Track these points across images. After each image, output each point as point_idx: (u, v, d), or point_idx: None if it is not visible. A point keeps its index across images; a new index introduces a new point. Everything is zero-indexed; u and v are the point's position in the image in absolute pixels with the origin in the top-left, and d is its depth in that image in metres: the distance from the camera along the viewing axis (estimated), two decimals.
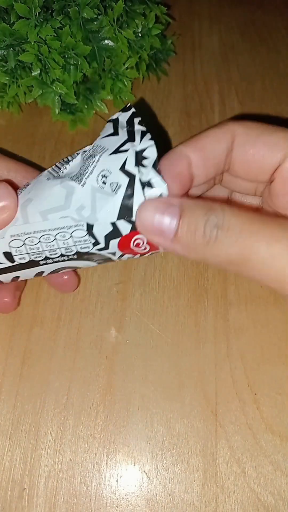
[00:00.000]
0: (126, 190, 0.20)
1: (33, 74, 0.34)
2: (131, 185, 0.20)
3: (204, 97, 0.41)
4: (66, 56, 0.34)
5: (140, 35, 0.38)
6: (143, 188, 0.20)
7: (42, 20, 0.32)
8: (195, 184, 0.22)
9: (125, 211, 0.20)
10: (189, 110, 0.40)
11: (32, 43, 0.32)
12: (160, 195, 0.20)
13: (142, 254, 0.22)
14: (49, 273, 0.25)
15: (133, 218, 0.20)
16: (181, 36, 0.47)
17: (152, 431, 0.26)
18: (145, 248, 0.22)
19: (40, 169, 0.27)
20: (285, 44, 0.47)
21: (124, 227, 0.21)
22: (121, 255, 0.22)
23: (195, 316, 0.29)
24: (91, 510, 0.24)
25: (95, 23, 0.34)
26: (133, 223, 0.20)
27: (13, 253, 0.23)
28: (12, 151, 0.37)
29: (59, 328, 0.29)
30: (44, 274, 0.24)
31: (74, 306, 0.30)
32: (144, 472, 0.25)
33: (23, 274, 0.24)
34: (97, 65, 0.36)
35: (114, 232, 0.21)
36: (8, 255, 0.23)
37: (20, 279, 0.25)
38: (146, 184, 0.20)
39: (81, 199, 0.21)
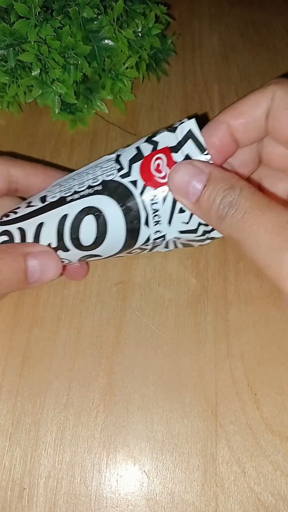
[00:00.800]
0: (162, 130, 0.23)
1: (33, 74, 0.34)
2: (170, 130, 0.23)
3: (204, 97, 0.41)
4: (66, 56, 0.34)
5: (140, 34, 0.38)
6: (181, 142, 0.23)
7: (42, 19, 0.32)
8: (241, 145, 0.24)
9: (150, 136, 0.23)
10: (189, 110, 0.40)
11: (32, 43, 0.32)
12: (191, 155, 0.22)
13: (161, 185, 0.23)
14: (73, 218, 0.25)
15: (156, 139, 0.23)
16: (181, 36, 0.47)
17: (152, 431, 0.26)
18: (164, 175, 0.23)
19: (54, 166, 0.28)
20: (285, 44, 0.47)
21: (146, 148, 0.23)
22: (143, 189, 0.23)
23: (195, 316, 0.29)
24: (91, 510, 0.24)
25: (95, 22, 0.34)
26: (155, 143, 0.23)
27: (47, 195, 0.25)
28: (12, 151, 0.37)
29: (59, 328, 0.29)
30: (67, 220, 0.24)
31: (74, 306, 0.30)
32: (144, 472, 0.25)
33: (48, 218, 0.25)
34: (97, 65, 0.36)
35: (137, 155, 0.23)
36: (43, 198, 0.25)
37: (44, 227, 0.25)
38: (185, 138, 0.23)
39: None
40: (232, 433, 0.25)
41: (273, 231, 0.18)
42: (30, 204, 0.26)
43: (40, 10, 0.32)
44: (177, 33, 0.47)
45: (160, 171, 0.23)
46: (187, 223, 0.24)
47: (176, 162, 0.22)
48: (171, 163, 0.22)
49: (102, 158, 0.26)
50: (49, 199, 0.25)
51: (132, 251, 0.26)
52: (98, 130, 0.39)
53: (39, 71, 0.34)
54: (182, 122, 0.23)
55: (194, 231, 0.24)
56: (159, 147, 0.23)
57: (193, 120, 0.23)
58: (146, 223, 0.24)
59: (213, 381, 0.27)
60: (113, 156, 0.25)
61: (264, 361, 0.27)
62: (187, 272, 0.31)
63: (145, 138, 0.24)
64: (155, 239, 0.25)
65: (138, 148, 0.24)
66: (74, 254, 0.25)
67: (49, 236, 0.25)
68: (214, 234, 0.24)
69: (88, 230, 0.24)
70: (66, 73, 0.35)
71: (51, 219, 0.25)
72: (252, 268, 0.31)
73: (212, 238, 0.25)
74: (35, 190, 0.28)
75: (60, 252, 0.25)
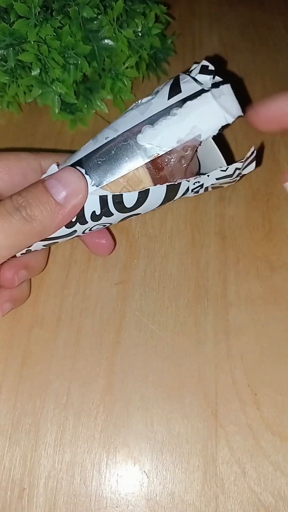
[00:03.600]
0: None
1: (33, 73, 0.34)
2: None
3: None
4: (66, 55, 0.34)
5: (140, 34, 0.38)
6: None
7: (41, 19, 0.32)
8: None
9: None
10: None
11: (32, 43, 0.32)
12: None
13: None
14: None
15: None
16: (181, 36, 0.47)
17: (152, 431, 0.26)
18: None
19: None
20: (285, 44, 0.46)
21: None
22: None
23: (195, 316, 0.29)
24: (91, 510, 0.24)
25: (95, 22, 0.34)
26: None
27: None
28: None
29: (59, 328, 0.29)
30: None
31: (74, 306, 0.30)
32: (144, 472, 0.25)
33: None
34: (97, 65, 0.36)
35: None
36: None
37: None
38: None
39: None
40: (232, 434, 0.25)
41: None
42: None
43: (40, 10, 0.32)
44: (177, 32, 0.46)
45: None
46: (225, 170, 0.25)
47: None
48: None
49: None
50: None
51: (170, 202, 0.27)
52: (98, 130, 0.39)
53: (39, 71, 0.34)
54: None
55: (230, 176, 0.26)
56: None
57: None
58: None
59: (213, 381, 0.27)
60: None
61: (264, 361, 0.27)
62: (187, 272, 0.31)
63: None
64: (193, 189, 0.26)
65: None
66: (116, 218, 0.25)
67: (92, 205, 0.24)
68: (247, 170, 0.26)
69: (131, 193, 0.24)
70: (66, 73, 0.34)
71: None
72: (252, 268, 0.31)
73: (243, 175, 0.27)
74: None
75: (103, 218, 0.25)
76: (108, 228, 0.30)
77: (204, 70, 0.25)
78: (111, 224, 0.26)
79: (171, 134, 0.23)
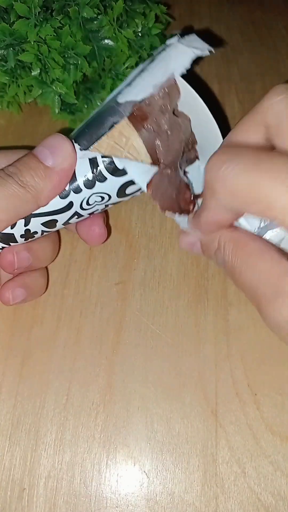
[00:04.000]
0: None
1: (33, 73, 0.34)
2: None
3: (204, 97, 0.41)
4: (66, 55, 0.34)
5: (140, 34, 0.38)
6: None
7: (42, 19, 0.32)
8: None
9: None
10: None
11: (32, 43, 0.32)
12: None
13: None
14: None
15: None
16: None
17: (152, 431, 0.26)
18: None
19: None
20: (285, 44, 0.46)
21: None
22: None
23: (195, 316, 0.29)
24: (91, 510, 0.24)
25: (95, 22, 0.34)
26: None
27: None
28: None
29: (59, 328, 0.29)
30: None
31: (74, 306, 0.30)
32: (144, 472, 0.25)
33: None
34: (97, 65, 0.36)
35: None
36: None
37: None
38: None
39: None
40: (232, 434, 0.25)
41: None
42: None
43: (40, 10, 0.32)
44: (177, 33, 0.46)
45: None
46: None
47: None
48: None
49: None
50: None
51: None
52: None
53: (39, 71, 0.34)
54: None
55: None
56: None
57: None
58: None
59: (213, 381, 0.27)
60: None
61: (264, 361, 0.27)
62: (187, 272, 0.31)
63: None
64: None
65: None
66: (111, 186, 0.25)
67: (83, 170, 0.24)
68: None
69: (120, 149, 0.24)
70: (66, 73, 0.34)
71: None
72: None
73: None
74: None
75: (97, 185, 0.25)
76: (104, 218, 0.29)
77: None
78: (110, 199, 0.26)
79: (146, 83, 0.24)
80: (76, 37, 0.34)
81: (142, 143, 0.24)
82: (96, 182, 0.24)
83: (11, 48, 0.34)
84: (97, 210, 0.26)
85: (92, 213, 0.26)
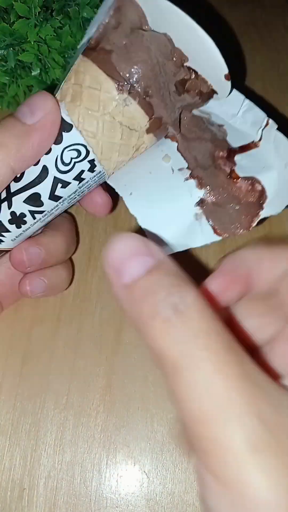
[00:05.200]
0: None
1: (33, 73, 0.34)
2: None
3: None
4: (66, 55, 0.34)
5: None
6: None
7: (42, 19, 0.32)
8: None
9: None
10: None
11: (32, 43, 0.32)
12: None
13: None
14: None
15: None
16: None
17: (152, 431, 0.26)
18: None
19: None
20: (285, 44, 0.46)
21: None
22: None
23: None
24: (91, 510, 0.24)
25: None
26: None
27: None
28: None
29: (59, 328, 0.29)
30: None
31: (74, 306, 0.29)
32: (144, 472, 0.25)
33: None
34: None
35: None
36: None
37: None
38: None
39: None
40: None
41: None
42: None
43: (40, 10, 0.32)
44: None
45: None
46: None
47: None
48: None
49: None
50: None
51: None
52: None
53: (39, 71, 0.34)
54: None
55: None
56: None
57: None
58: None
59: None
60: None
61: None
62: (187, 272, 0.31)
63: None
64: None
65: None
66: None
67: None
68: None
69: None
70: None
71: None
72: None
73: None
74: None
75: (65, 136, 0.22)
76: (104, 188, 0.27)
77: None
78: (88, 153, 0.22)
79: (98, 15, 0.22)
80: (76, 37, 0.34)
81: (99, 69, 0.21)
82: (63, 133, 0.22)
83: (11, 48, 0.34)
84: (83, 172, 0.23)
85: (81, 181, 0.23)
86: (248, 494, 0.12)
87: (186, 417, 0.13)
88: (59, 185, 0.23)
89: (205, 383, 0.13)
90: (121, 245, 0.16)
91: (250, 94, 0.39)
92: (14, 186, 0.23)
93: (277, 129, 0.24)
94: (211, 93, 0.23)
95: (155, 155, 0.24)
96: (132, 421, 0.26)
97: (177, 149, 0.24)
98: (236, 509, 0.12)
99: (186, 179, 0.23)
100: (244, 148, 0.23)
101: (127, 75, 0.21)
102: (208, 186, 0.23)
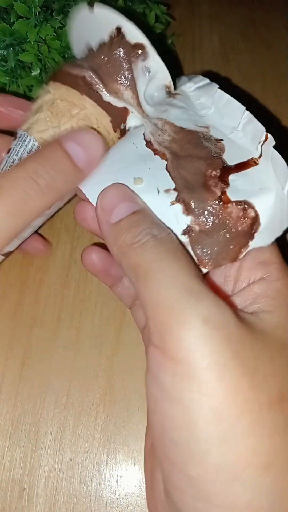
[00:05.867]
0: None
1: (33, 73, 0.34)
2: None
3: None
4: (66, 55, 0.34)
5: None
6: None
7: (42, 19, 0.32)
8: None
9: None
10: None
11: (32, 43, 0.32)
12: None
13: None
14: None
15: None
16: (181, 36, 0.47)
17: None
18: None
19: None
20: (285, 44, 0.46)
21: None
22: None
23: None
24: (91, 510, 0.24)
25: None
26: None
27: None
28: None
29: (59, 328, 0.29)
30: None
31: (74, 306, 0.30)
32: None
33: None
34: None
35: None
36: None
37: None
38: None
39: None
40: None
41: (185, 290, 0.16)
42: None
43: (40, 10, 0.32)
44: (177, 33, 0.46)
45: None
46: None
47: None
48: None
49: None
50: None
51: None
52: None
53: (39, 71, 0.34)
54: None
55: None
56: None
57: None
58: None
59: None
60: None
61: None
62: None
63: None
64: None
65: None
66: None
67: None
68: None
69: None
70: None
71: None
72: None
73: None
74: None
75: None
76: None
77: None
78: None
79: None
80: None
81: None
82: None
83: (11, 48, 0.34)
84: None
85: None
86: (194, 368, 0.15)
87: (153, 309, 0.16)
88: None
89: (171, 278, 0.16)
90: (111, 192, 0.20)
91: (249, 95, 0.39)
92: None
93: (277, 138, 0.21)
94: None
95: (139, 171, 0.22)
96: (132, 421, 0.26)
97: (166, 168, 0.21)
98: (180, 378, 0.16)
99: (172, 203, 0.20)
100: (240, 166, 0.21)
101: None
102: (195, 212, 0.20)
